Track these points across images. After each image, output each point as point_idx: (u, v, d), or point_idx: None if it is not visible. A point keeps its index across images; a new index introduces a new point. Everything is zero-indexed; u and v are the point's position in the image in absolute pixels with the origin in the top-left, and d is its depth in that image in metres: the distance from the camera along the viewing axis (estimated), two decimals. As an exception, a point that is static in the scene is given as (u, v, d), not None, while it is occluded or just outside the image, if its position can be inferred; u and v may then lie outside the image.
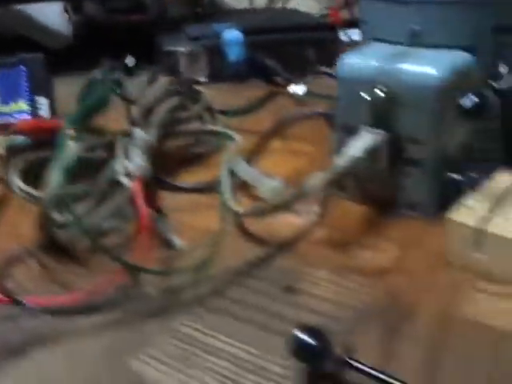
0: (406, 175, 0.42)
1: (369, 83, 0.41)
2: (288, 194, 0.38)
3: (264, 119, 0.59)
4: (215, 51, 0.81)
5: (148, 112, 0.54)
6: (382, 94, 0.40)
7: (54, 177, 0.37)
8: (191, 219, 0.45)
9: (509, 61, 0.39)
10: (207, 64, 0.82)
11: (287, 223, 0.43)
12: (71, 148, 0.40)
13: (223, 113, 0.59)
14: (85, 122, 0.51)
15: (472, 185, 0.41)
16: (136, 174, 0.39)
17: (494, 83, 0.36)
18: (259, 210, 0.39)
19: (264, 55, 0.79)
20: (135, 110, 0.53)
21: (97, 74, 0.51)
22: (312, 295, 0.36)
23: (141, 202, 0.36)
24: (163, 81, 0.57)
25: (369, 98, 0.40)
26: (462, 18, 0.42)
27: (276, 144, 0.55)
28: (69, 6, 1.12)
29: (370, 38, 0.47)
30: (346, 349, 0.28)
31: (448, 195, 0.40)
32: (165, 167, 0.55)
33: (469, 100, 0.35)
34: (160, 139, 0.52)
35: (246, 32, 0.81)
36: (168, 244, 0.40)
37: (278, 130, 0.53)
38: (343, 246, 0.41)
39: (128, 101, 0.52)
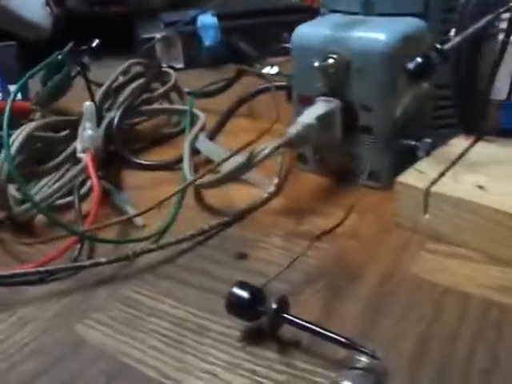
0: (361, 144, 0.43)
1: (320, 51, 0.41)
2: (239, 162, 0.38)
3: (233, 98, 0.59)
4: (190, 36, 0.82)
5: (113, 93, 0.54)
6: (332, 61, 0.40)
7: (3, 155, 0.37)
8: (153, 193, 0.45)
9: (457, 24, 0.39)
10: (183, 49, 0.83)
11: (246, 195, 0.43)
12: (24, 128, 0.40)
13: (192, 94, 0.60)
14: (49, 102, 0.51)
15: (427, 150, 0.41)
16: (87, 145, 0.39)
17: (437, 44, 0.36)
18: (213, 180, 0.40)
19: (239, 39, 0.79)
20: (99, 91, 0.53)
21: (59, 55, 0.51)
22: (261, 260, 0.36)
23: (92, 171, 0.36)
24: (128, 63, 0.57)
25: (317, 64, 0.40)
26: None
27: (240, 120, 0.56)
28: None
29: (328, 10, 0.47)
30: (280, 304, 0.28)
31: (404, 162, 0.40)
32: (135, 147, 0.56)
33: (413, 62, 0.36)
34: (125, 119, 0.52)
35: (221, 17, 0.82)
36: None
37: (240, 104, 0.53)
38: (298, 215, 0.41)
39: (89, 82, 0.52)
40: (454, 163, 0.39)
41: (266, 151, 0.38)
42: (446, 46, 0.36)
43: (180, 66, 0.83)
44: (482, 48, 0.40)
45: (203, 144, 0.48)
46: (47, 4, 1.14)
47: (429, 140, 0.42)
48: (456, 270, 0.33)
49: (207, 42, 0.81)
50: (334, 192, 0.44)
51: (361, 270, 0.34)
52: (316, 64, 0.40)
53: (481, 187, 0.35)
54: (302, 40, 0.43)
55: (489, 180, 0.36)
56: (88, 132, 0.40)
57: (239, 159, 0.39)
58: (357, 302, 0.31)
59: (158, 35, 0.82)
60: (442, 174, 0.37)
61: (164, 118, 0.61)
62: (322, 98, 0.42)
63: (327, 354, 0.27)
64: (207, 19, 0.81)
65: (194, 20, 0.82)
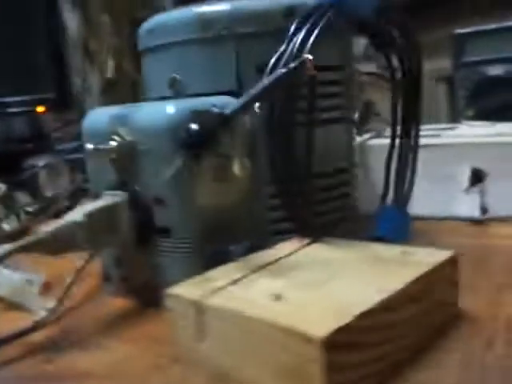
0: (161, 250, 0.32)
1: (106, 134, 0.32)
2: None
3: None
4: (78, 164, 0.75)
5: None
6: (114, 144, 0.32)
7: None
8: None
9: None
10: (69, 177, 0.75)
11: (11, 322, 0.31)
12: None
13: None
14: None
15: (241, 255, 0.31)
16: None
17: (214, 108, 0.28)
18: None
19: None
20: None
21: None
22: None
23: None
24: None
25: (90, 147, 0.31)
26: (221, 63, 0.35)
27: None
28: None
29: (146, 97, 0.40)
30: None
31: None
32: None
33: (186, 129, 0.27)
34: None
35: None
36: None
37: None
38: (55, 350, 0.29)
39: None
40: (260, 268, 0.28)
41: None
42: (227, 110, 0.27)
43: (64, 194, 0.75)
44: (294, 139, 0.31)
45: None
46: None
47: (246, 243, 0.31)
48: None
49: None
50: (126, 319, 0.32)
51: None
52: (89, 147, 0.32)
53: (277, 296, 0.24)
54: (90, 124, 0.35)
55: (289, 286, 0.25)
56: None
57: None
58: None
59: (41, 162, 0.75)
60: (235, 282, 0.26)
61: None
62: (108, 192, 0.33)
63: None
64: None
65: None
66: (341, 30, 0.35)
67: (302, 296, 0.24)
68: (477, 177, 0.47)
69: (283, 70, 0.27)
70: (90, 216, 0.30)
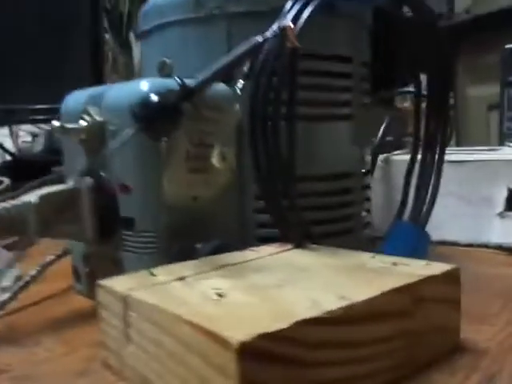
0: (124, 245, 0.29)
1: (79, 114, 0.30)
2: None
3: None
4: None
5: None
6: (84, 124, 0.29)
7: None
8: None
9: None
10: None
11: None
12: None
13: None
14: None
15: (207, 253, 0.27)
16: None
17: (177, 78, 0.24)
18: None
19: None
20: None
21: None
22: None
23: None
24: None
25: (57, 125, 0.28)
26: (213, 44, 0.31)
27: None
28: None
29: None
30: None
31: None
32: None
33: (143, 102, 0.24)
34: None
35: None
36: None
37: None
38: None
39: None
40: (219, 267, 0.24)
41: None
42: (192, 83, 0.24)
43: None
44: (279, 132, 0.27)
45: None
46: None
47: (215, 242, 0.27)
48: None
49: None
50: (79, 319, 0.29)
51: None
52: (56, 125, 0.29)
53: (218, 296, 0.20)
54: (68, 103, 0.32)
55: (237, 287, 0.21)
56: None
57: None
58: None
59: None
60: (181, 278, 0.22)
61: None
62: (74, 177, 0.30)
63: None
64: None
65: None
66: (342, 12, 0.31)
67: (245, 298, 0.19)
68: (514, 199, 0.41)
69: (259, 38, 0.23)
70: (46, 198, 0.27)
